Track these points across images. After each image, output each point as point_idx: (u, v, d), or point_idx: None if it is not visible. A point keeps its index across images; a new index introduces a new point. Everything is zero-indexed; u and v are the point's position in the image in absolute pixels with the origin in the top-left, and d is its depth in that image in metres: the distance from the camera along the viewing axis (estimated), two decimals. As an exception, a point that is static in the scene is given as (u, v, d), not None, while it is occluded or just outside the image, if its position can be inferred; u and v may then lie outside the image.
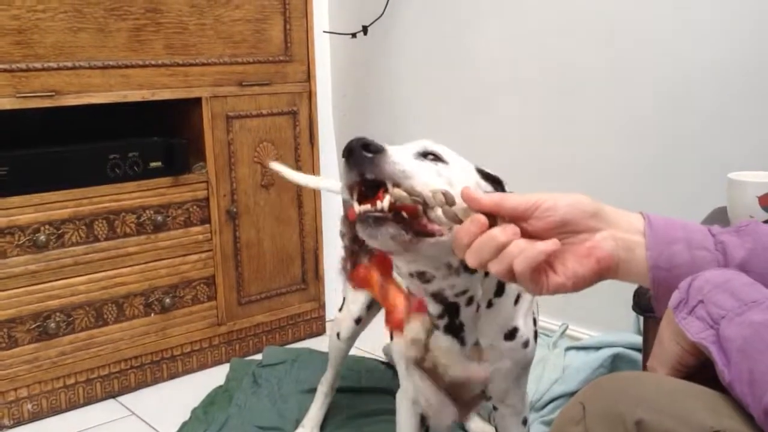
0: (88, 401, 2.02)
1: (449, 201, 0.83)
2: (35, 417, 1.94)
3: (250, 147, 2.24)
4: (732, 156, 1.81)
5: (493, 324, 1.11)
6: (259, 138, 2.26)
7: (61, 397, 1.98)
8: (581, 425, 0.68)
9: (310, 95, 2.35)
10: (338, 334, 1.66)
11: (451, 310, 1.06)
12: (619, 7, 2.01)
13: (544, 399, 1.83)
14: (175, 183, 2.10)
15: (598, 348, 1.95)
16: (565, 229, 0.79)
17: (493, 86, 2.32)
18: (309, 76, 2.34)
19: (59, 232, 1.92)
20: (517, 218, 0.79)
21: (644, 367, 1.30)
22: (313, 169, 2.38)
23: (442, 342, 1.10)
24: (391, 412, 1.33)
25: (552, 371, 1.92)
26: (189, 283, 2.16)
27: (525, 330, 1.15)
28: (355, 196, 0.88)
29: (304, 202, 2.37)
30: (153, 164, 2.07)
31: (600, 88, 2.09)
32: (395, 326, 0.95)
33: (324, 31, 2.70)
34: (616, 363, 1.90)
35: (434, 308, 1.05)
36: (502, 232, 0.77)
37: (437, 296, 1.03)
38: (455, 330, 1.08)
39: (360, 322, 1.62)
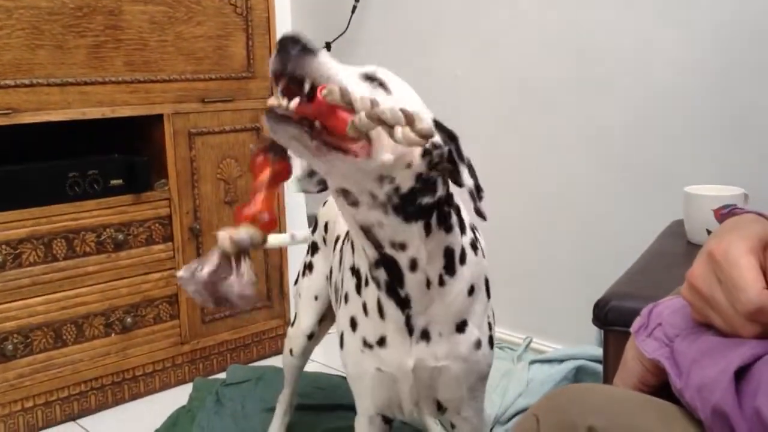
0: (48, 424, 1.98)
1: (409, 120, 0.79)
2: (-8, 441, 1.90)
3: (213, 163, 2.22)
4: (689, 170, 1.85)
5: (446, 310, 1.06)
6: (222, 154, 2.24)
7: (20, 421, 1.93)
8: (535, 436, 0.69)
9: (274, 112, 2.34)
10: (291, 351, 1.63)
11: (389, 266, 1.02)
12: (583, 28, 2.05)
13: (509, 412, 1.84)
14: (137, 201, 2.08)
15: (561, 361, 1.97)
16: None
17: (457, 102, 2.34)
18: (272, 93, 2.33)
19: (16, 252, 1.89)
20: None
21: (605, 380, 1.32)
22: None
23: (387, 308, 1.05)
24: (355, 429, 1.32)
25: (516, 385, 1.92)
26: (151, 302, 2.13)
27: (478, 331, 1.11)
28: (280, 88, 0.86)
29: (269, 218, 2.36)
30: (114, 182, 2.04)
31: (563, 105, 2.12)
32: (240, 217, 0.91)
33: (287, 48, 2.70)
34: (579, 375, 1.92)
35: (370, 251, 1.02)
36: None
37: (368, 233, 0.99)
38: (400, 300, 1.04)
39: (312, 337, 1.59)
